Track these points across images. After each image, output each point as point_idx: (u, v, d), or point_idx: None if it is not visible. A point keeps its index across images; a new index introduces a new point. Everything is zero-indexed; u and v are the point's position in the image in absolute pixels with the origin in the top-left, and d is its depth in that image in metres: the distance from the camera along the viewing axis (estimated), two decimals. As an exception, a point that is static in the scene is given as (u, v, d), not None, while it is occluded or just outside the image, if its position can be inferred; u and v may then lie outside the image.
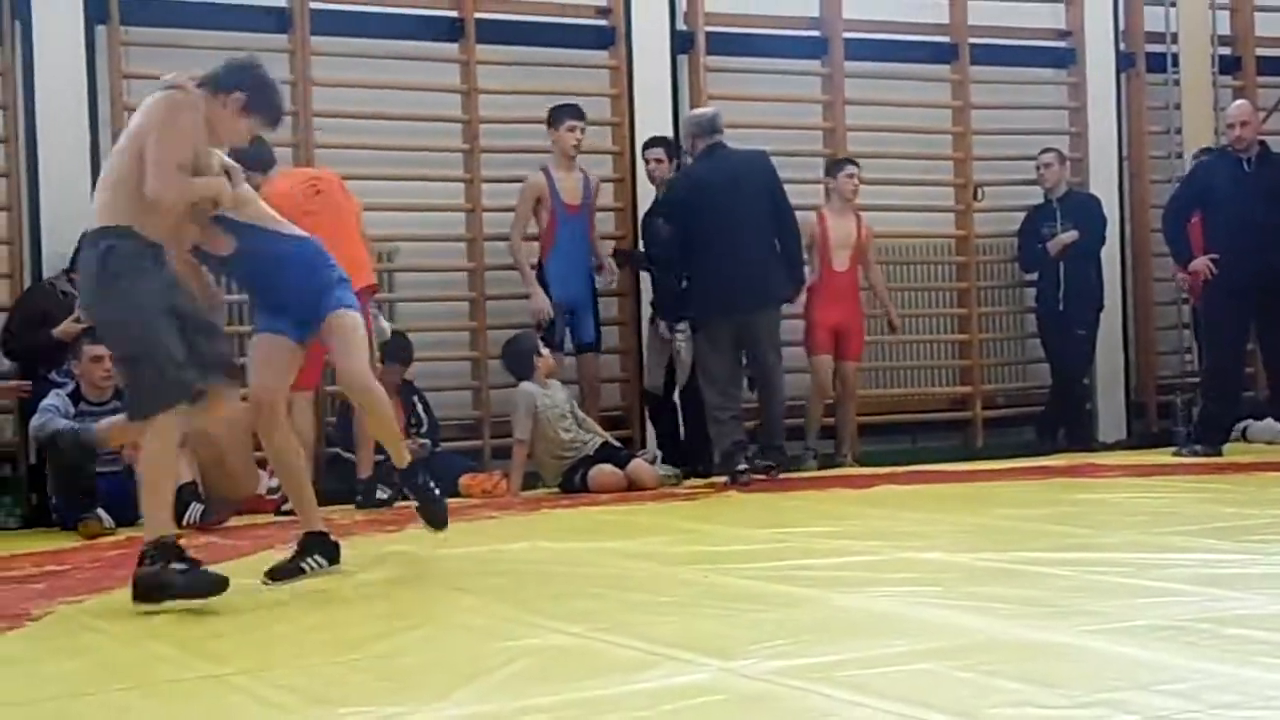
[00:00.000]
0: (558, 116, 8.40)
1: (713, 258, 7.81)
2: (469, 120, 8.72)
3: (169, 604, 4.43)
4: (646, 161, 8.75)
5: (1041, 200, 9.77)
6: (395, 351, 7.86)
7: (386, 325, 7.75)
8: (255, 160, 7.27)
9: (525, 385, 7.92)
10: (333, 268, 5.12)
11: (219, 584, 4.46)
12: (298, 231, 5.10)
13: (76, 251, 7.36)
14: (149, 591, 4.41)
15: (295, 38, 8.29)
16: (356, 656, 3.76)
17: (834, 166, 9.15)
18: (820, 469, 8.70)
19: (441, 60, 8.79)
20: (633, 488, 7.77)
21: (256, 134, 4.92)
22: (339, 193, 7.39)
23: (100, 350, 6.90)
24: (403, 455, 5.40)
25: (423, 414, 8.14)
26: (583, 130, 8.43)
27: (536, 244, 8.53)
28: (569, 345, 8.47)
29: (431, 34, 8.77)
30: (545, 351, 8.02)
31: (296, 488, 5.19)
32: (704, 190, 7.88)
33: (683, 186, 8.12)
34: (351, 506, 7.26)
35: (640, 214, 8.88)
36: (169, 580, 4.40)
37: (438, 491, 5.46)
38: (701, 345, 8.01)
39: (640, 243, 8.83)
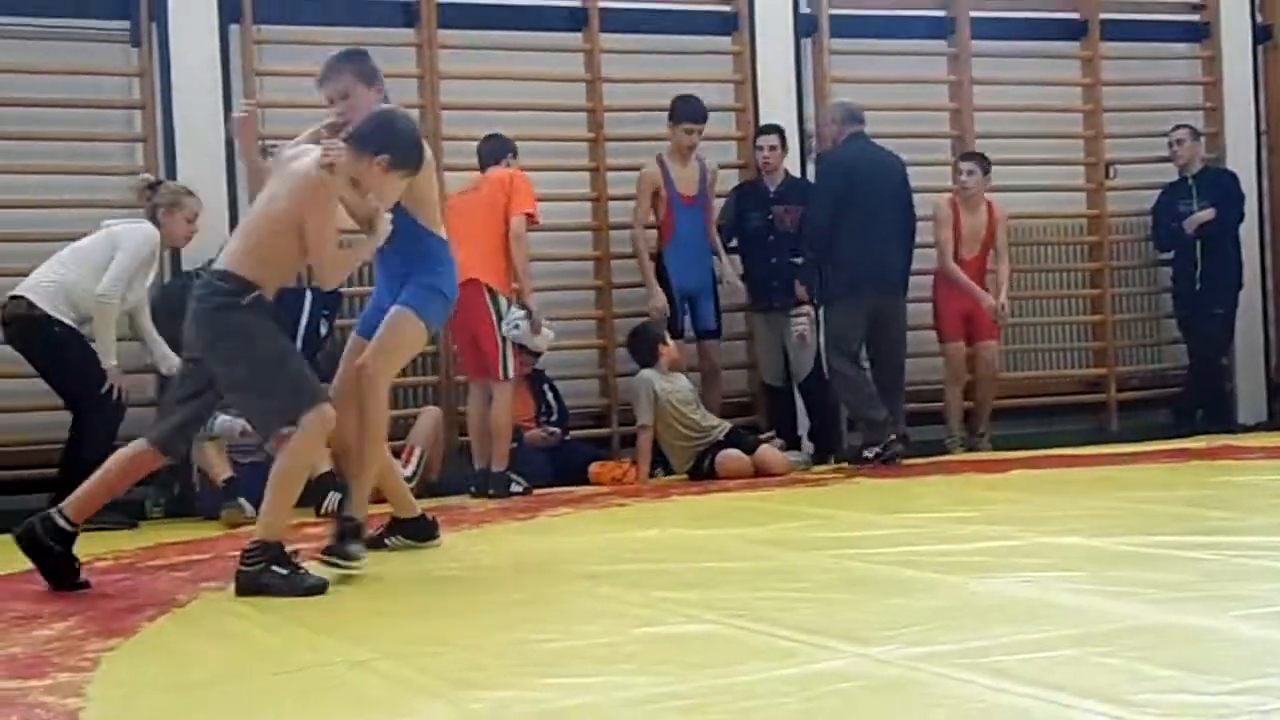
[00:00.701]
0: (676, 114, 8.41)
1: (859, 240, 7.96)
2: (593, 109, 8.76)
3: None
4: (759, 148, 8.69)
5: (1176, 178, 9.57)
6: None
7: (547, 334, 7.75)
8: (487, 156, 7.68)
9: (644, 372, 7.95)
10: (426, 268, 5.20)
11: (318, 588, 4.58)
12: (439, 231, 5.26)
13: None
14: (249, 590, 4.58)
15: (423, 32, 8.38)
16: (495, 641, 3.80)
17: (958, 161, 9.01)
18: (966, 453, 8.67)
19: (566, 50, 8.83)
20: (760, 474, 7.76)
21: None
22: (496, 193, 7.53)
23: None
24: (364, 493, 5.11)
25: (553, 402, 8.20)
26: (699, 132, 8.44)
27: (655, 233, 8.56)
28: (690, 334, 8.49)
29: (556, 24, 8.81)
30: (671, 342, 8.04)
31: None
32: (852, 175, 8.06)
33: (836, 172, 8.16)
34: (485, 496, 7.33)
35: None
36: (270, 582, 4.57)
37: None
38: (840, 324, 8.08)
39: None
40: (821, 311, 8.40)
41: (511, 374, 7.45)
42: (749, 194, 8.77)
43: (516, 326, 7.59)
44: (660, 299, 8.34)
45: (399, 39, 8.43)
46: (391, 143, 4.83)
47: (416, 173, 4.97)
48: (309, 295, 7.74)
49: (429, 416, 7.71)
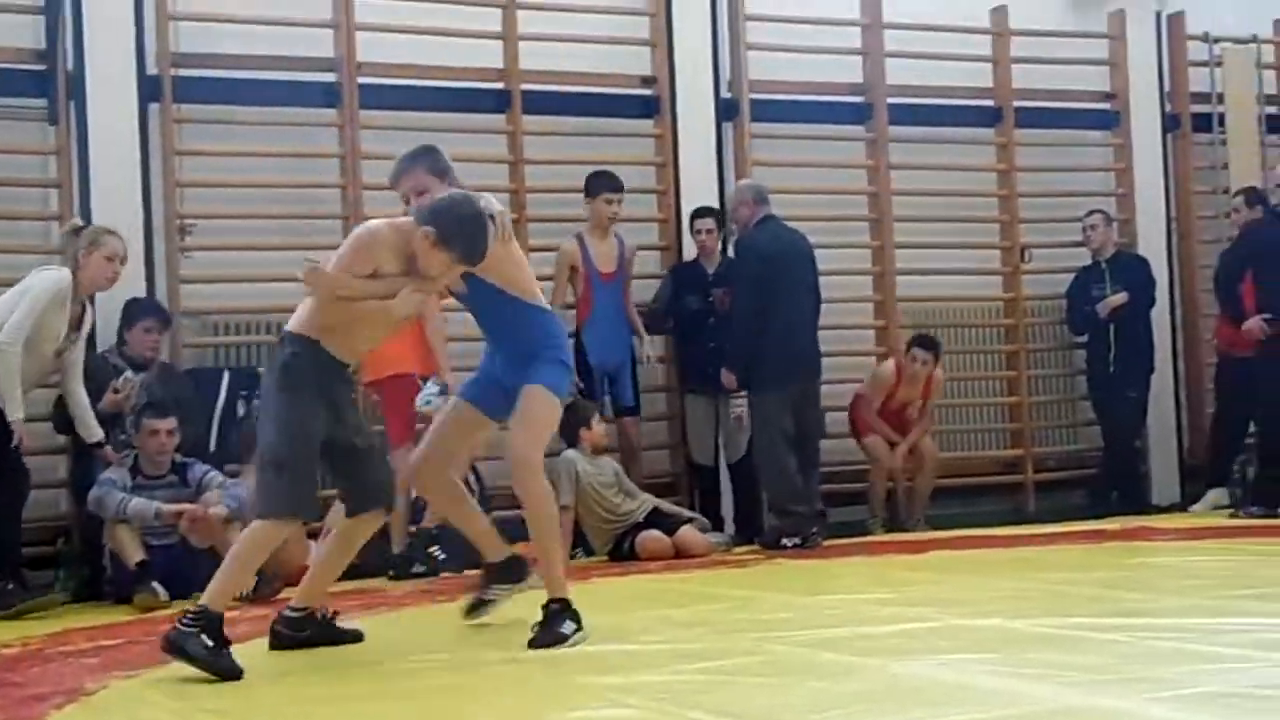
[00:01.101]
0: (594, 187, 8.47)
1: (783, 327, 8.01)
2: (516, 190, 8.78)
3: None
4: (696, 232, 8.77)
5: (1090, 262, 9.74)
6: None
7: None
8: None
9: (567, 452, 7.93)
10: (548, 344, 5.21)
11: (233, 673, 4.55)
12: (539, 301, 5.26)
13: (127, 323, 7.44)
14: (172, 649, 4.59)
15: (344, 112, 8.38)
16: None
17: (912, 345, 8.98)
18: (886, 533, 8.72)
19: (489, 131, 8.87)
20: (681, 555, 7.74)
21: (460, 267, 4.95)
22: None
23: (157, 424, 6.96)
24: (555, 572, 5.11)
25: (474, 483, 8.14)
26: (620, 202, 8.49)
27: (573, 312, 8.56)
28: (609, 410, 8.47)
29: (478, 105, 8.86)
30: (598, 426, 8.01)
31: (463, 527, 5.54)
32: (770, 259, 8.10)
33: (757, 257, 8.16)
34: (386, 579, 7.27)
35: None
36: (193, 650, 4.56)
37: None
38: (773, 411, 8.06)
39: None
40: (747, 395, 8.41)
41: None
42: (686, 276, 8.81)
43: (429, 402, 7.57)
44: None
45: (321, 119, 8.44)
46: (441, 219, 4.84)
47: (468, 260, 4.89)
48: (226, 375, 7.67)
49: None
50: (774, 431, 8.05)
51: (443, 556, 7.39)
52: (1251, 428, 9.27)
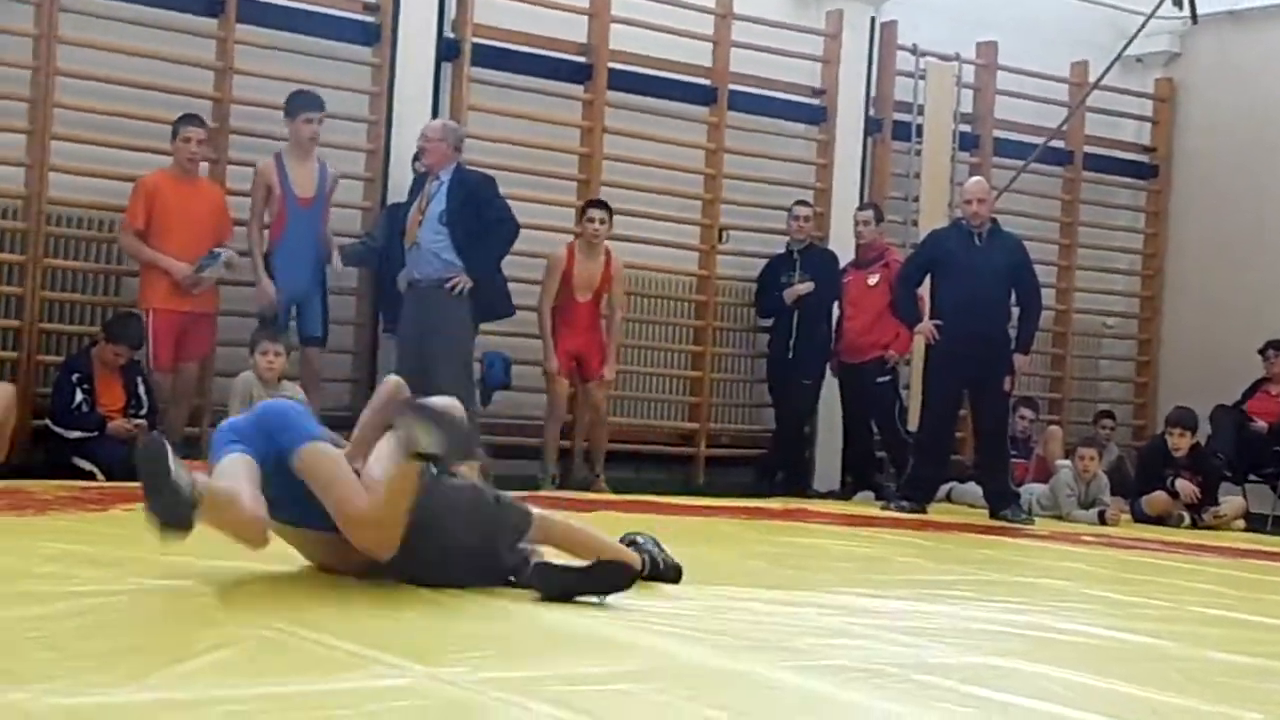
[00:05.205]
0: (293, 107, 8.22)
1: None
2: (220, 99, 8.50)
3: None
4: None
5: (783, 249, 10.04)
6: (124, 333, 7.76)
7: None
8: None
9: (245, 374, 7.75)
10: None
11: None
12: None
13: None
14: None
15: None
16: (45, 636, 3.59)
17: (583, 210, 9.12)
18: (559, 490, 8.72)
19: (200, 34, 8.56)
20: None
21: None
22: None
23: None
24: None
25: (144, 396, 7.89)
26: (320, 122, 8.25)
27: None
28: (295, 338, 8.28)
29: (190, 7, 8.53)
30: (262, 358, 7.75)
31: None
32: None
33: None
34: (52, 481, 6.98)
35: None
36: None
37: None
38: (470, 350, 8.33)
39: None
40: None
41: None
42: (403, 217, 8.63)
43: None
44: (268, 292, 8.10)
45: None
46: None
47: None
48: None
49: (1, 392, 7.30)
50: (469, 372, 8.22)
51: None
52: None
